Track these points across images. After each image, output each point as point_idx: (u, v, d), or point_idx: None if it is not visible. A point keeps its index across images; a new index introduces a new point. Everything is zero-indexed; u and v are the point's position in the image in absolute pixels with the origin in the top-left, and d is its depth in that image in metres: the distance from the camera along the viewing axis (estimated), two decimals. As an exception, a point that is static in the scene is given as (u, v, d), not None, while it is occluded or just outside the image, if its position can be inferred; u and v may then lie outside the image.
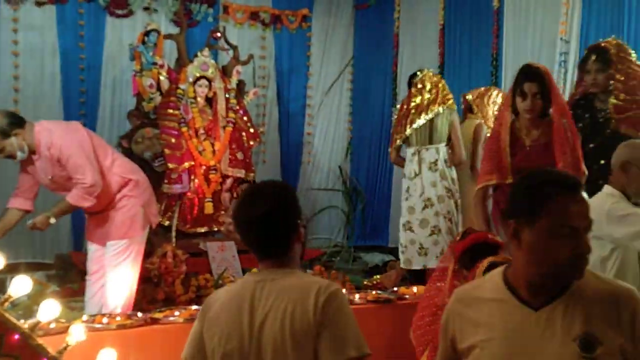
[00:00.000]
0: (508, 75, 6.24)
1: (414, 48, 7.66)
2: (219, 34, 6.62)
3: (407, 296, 3.85)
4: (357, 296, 3.76)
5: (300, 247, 2.06)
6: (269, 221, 1.96)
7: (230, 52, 6.53)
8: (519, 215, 1.70)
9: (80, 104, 6.89)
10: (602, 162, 3.94)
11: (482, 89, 5.67)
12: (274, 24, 7.95)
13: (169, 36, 6.46)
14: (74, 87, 6.89)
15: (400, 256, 5.16)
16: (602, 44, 4.20)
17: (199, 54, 6.13)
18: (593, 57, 4.11)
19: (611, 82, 4.05)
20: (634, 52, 4.23)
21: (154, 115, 6.03)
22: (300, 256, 2.09)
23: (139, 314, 3.32)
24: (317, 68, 8.22)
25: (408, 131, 5.07)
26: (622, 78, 4.06)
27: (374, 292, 3.95)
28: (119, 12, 7.06)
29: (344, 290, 4.18)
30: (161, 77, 6.09)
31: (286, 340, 1.87)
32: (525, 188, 1.74)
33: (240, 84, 6.42)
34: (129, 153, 5.67)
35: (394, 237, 7.63)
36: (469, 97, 5.56)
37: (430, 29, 7.31)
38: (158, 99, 6.02)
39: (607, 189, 3.02)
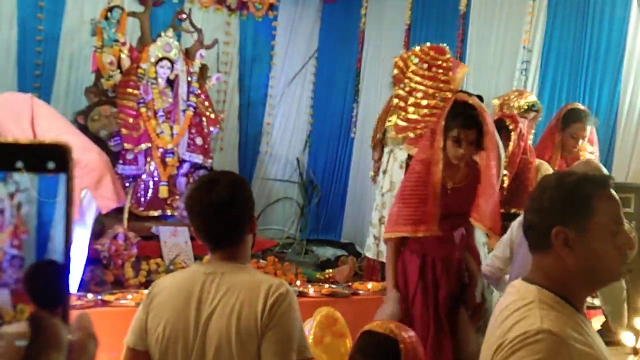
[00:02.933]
0: (470, 80, 6.31)
1: (379, 46, 7.67)
2: (184, 16, 6.50)
3: (361, 292, 3.87)
4: (311, 289, 3.77)
5: (252, 239, 2.04)
6: (227, 209, 1.93)
7: (195, 35, 6.42)
8: (568, 220, 1.55)
9: (35, 77, 6.68)
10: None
11: (514, 93, 5.29)
12: (240, 10, 7.85)
13: (132, 14, 6.31)
14: (30, 59, 6.67)
15: (374, 248, 5.18)
16: (395, 61, 4.05)
17: (162, 34, 6.01)
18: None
19: (395, 100, 3.94)
20: (443, 57, 4.06)
21: (112, 93, 5.89)
22: (251, 247, 2.07)
23: (89, 296, 3.25)
24: (281, 58, 8.16)
25: None
26: (404, 94, 3.92)
27: (327, 286, 3.97)
28: (82, -15, 6.87)
29: (298, 282, 4.20)
30: (122, 55, 5.95)
31: (231, 338, 1.85)
32: (567, 190, 1.59)
33: (203, 68, 6.33)
34: (84, 130, 5.52)
35: (346, 232, 7.68)
36: (495, 101, 5.21)
37: (396, 29, 7.34)
38: (118, 77, 5.88)
39: None
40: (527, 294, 1.56)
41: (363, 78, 7.79)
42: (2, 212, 0.62)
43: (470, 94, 3.32)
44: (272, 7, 7.95)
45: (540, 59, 5.87)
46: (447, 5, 6.79)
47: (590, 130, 4.58)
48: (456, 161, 3.06)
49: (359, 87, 7.80)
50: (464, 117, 3.02)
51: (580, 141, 4.53)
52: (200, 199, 1.95)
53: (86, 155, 3.87)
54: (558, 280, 1.57)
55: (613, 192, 1.59)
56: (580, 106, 4.85)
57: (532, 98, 5.13)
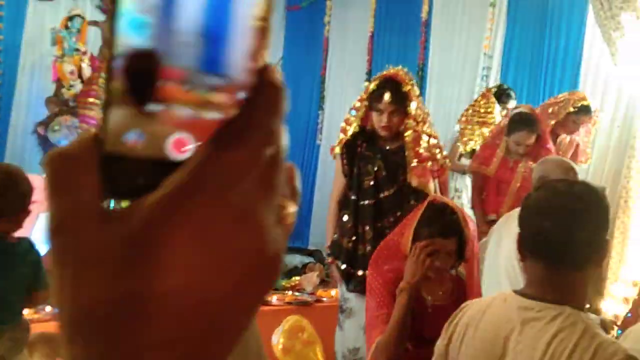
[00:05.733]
0: (433, 87, 6.39)
1: (343, 53, 7.72)
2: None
3: (325, 299, 3.88)
4: (274, 297, 3.76)
5: None
6: None
7: (158, 44, 6.39)
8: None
9: (-5, 87, 6.59)
10: (399, 213, 3.33)
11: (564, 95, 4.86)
12: (203, 19, 7.83)
13: (93, 23, 6.26)
14: (-10, 69, 6.58)
15: None
16: (397, 77, 3.47)
17: (124, 43, 5.97)
18: (387, 96, 3.41)
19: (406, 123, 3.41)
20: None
21: (73, 103, 5.83)
22: None
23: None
24: (246, 66, 8.15)
25: None
26: (414, 122, 3.41)
27: (290, 294, 3.97)
28: (42, -6, 6.80)
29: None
30: (83, 65, 5.90)
31: None
32: (605, 200, 1.55)
33: (167, 77, 6.30)
34: (45, 140, 5.46)
35: (314, 239, 7.67)
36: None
37: (360, 36, 7.38)
38: (79, 86, 5.84)
39: None
40: (571, 318, 1.45)
41: (328, 85, 7.83)
42: None
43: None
44: (236, 15, 7.93)
45: (500, 65, 5.96)
46: (409, 13, 6.85)
47: (534, 137, 4.44)
48: (430, 273, 2.44)
49: (324, 94, 7.83)
50: (438, 221, 2.46)
51: (523, 148, 4.42)
52: None
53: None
54: (582, 295, 1.50)
55: None
56: (527, 111, 4.61)
57: (587, 100, 4.73)
